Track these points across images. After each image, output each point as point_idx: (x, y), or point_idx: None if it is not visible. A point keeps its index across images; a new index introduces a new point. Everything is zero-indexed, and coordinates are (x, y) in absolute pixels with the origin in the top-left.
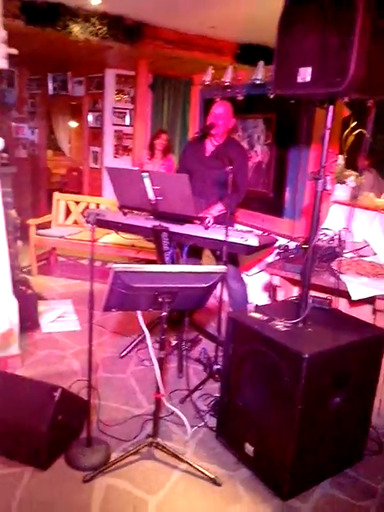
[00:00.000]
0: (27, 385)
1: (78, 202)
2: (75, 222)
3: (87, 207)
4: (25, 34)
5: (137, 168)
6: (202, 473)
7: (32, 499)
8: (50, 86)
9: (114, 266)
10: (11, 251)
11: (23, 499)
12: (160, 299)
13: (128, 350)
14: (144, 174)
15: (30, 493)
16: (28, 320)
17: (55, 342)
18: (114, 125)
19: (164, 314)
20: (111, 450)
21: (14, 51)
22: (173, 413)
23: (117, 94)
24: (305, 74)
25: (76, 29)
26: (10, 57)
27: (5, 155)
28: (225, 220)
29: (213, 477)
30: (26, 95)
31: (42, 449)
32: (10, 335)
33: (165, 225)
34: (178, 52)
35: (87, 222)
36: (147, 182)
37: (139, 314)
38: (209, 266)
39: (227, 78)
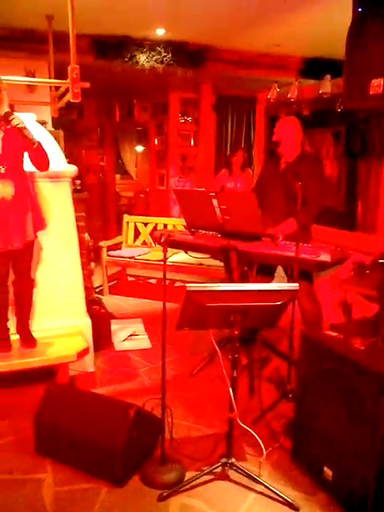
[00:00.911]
0: (103, 402)
1: (146, 224)
2: (144, 243)
3: (155, 228)
4: (94, 66)
5: (203, 189)
6: (279, 496)
7: None
8: (117, 113)
9: (187, 285)
10: (85, 272)
11: None
12: (232, 318)
13: (199, 368)
14: (211, 195)
15: (107, 508)
16: (101, 338)
17: (127, 360)
18: (179, 147)
19: (236, 332)
20: (185, 469)
21: (87, 85)
22: (246, 433)
23: (181, 116)
24: (377, 86)
25: (142, 58)
26: (82, 89)
27: (77, 182)
28: (298, 237)
29: (290, 500)
30: (95, 124)
31: (118, 466)
32: (86, 353)
33: (233, 243)
34: (240, 72)
35: (159, 243)
36: (214, 201)
37: (210, 332)
38: (281, 284)
39: (292, 94)
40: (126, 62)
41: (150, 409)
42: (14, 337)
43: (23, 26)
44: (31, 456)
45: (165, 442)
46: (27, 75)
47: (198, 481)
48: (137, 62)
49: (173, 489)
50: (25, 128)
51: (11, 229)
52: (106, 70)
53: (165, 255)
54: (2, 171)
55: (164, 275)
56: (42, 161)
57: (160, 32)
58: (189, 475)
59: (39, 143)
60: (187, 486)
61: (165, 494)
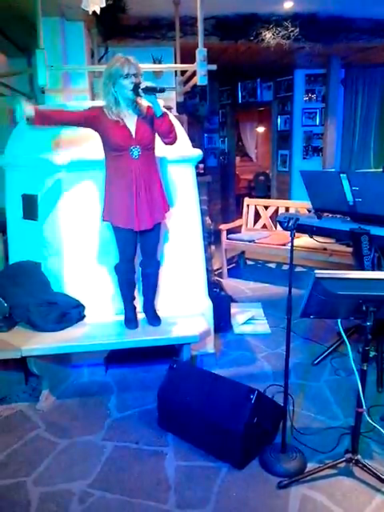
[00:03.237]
0: (224, 384)
1: (267, 207)
2: (264, 226)
3: (276, 211)
4: (218, 48)
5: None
6: None
7: (228, 495)
8: (240, 94)
9: (316, 272)
10: (206, 255)
11: (221, 493)
12: (364, 308)
13: (322, 357)
14: (342, 175)
15: (227, 489)
16: (221, 321)
17: (246, 344)
18: (304, 126)
19: (368, 323)
20: (306, 460)
21: (213, 67)
22: (374, 429)
23: (306, 94)
24: None
25: (268, 35)
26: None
27: (201, 165)
28: None
29: None
30: (217, 107)
31: (238, 449)
32: (207, 335)
33: (365, 227)
34: (375, 41)
35: (285, 228)
36: (345, 183)
37: (339, 322)
38: None
39: None
40: (251, 41)
41: (271, 395)
42: (141, 315)
43: (150, 14)
44: (154, 429)
45: (286, 430)
46: (154, 62)
47: (320, 473)
48: (262, 40)
49: (293, 478)
50: (150, 86)
51: (143, 210)
52: (230, 51)
53: (292, 239)
54: (136, 154)
55: (290, 260)
56: (170, 132)
57: (288, 5)
58: (310, 466)
59: (166, 114)
60: (308, 477)
61: (285, 483)
